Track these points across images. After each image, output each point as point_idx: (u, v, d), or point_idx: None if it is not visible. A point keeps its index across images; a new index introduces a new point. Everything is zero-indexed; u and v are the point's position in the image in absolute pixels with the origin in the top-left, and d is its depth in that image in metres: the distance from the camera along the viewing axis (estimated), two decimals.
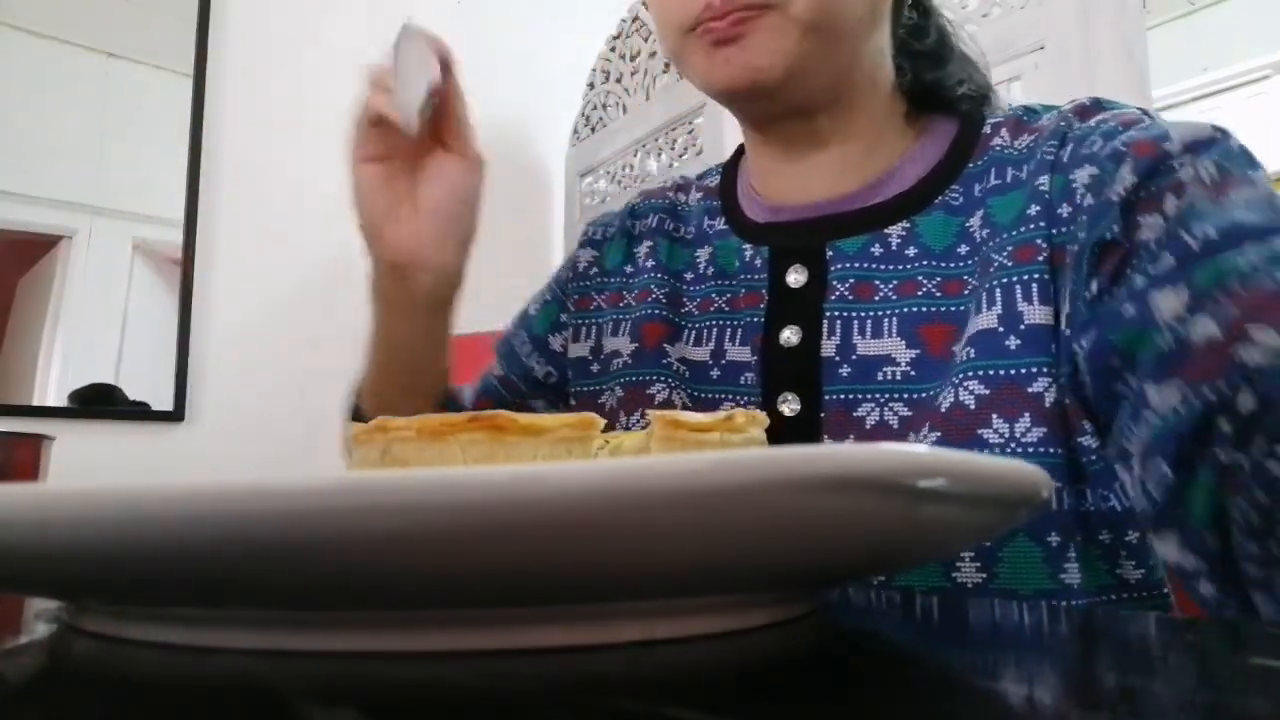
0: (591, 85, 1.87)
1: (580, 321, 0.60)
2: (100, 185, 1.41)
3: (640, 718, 0.14)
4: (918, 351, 0.45)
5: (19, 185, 1.34)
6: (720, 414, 0.28)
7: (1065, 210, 0.42)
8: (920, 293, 0.46)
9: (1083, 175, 0.42)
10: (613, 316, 0.57)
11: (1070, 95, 0.49)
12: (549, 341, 0.61)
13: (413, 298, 0.53)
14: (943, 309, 0.45)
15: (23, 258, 1.37)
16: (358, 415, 0.59)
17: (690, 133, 1.61)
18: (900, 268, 0.47)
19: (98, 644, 0.20)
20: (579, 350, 0.59)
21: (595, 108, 1.86)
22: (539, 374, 0.61)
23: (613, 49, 1.82)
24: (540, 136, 1.93)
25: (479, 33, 1.84)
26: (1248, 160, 0.39)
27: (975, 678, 0.18)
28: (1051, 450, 0.40)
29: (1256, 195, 0.37)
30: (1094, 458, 0.41)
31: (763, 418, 0.29)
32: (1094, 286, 0.39)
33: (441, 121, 0.50)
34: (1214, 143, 0.39)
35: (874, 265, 0.48)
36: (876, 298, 0.47)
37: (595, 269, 0.61)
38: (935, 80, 0.52)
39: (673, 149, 1.65)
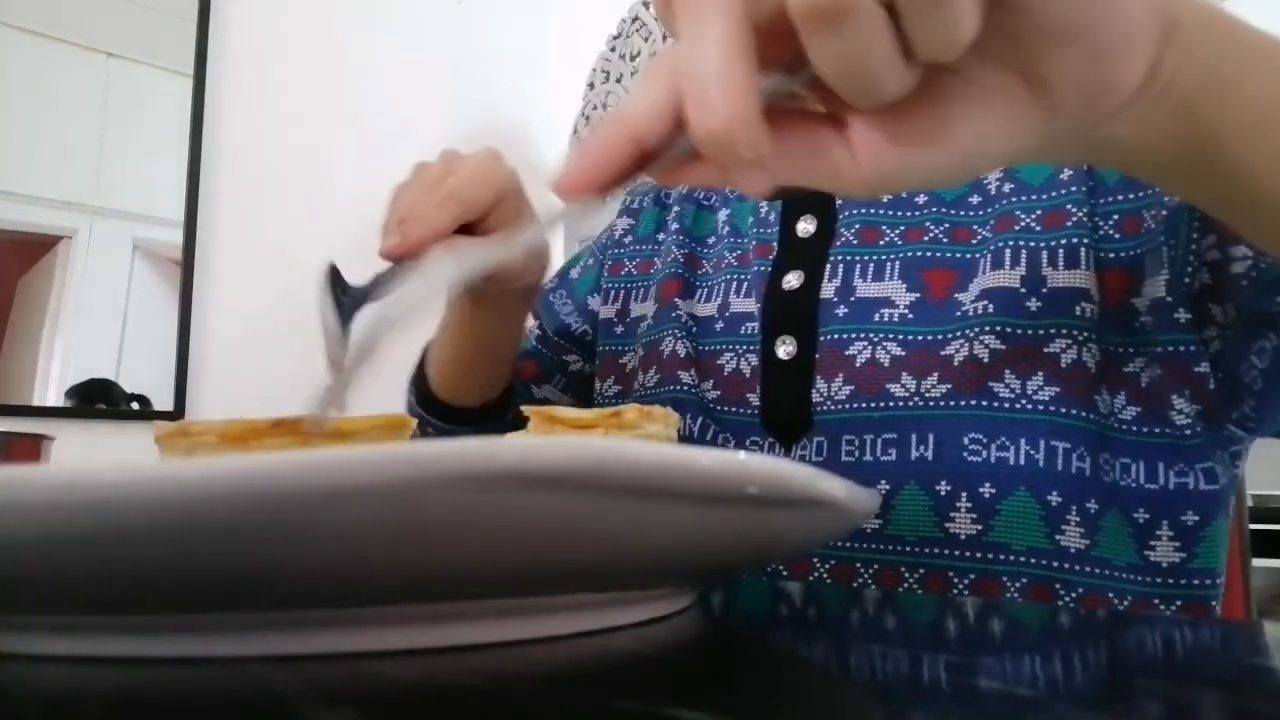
0: (591, 85, 1.87)
1: (612, 285, 0.62)
2: (100, 185, 1.40)
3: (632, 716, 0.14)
4: (917, 295, 0.45)
5: (19, 185, 1.34)
6: (606, 410, 0.27)
7: (1112, 179, 0.43)
8: (926, 238, 0.47)
9: None
10: (642, 283, 0.60)
11: None
12: (588, 302, 0.63)
13: (507, 294, 0.51)
14: (948, 255, 0.46)
15: (23, 258, 1.36)
16: (427, 408, 0.58)
17: None
18: (908, 214, 0.48)
19: (77, 666, 0.19)
20: (607, 312, 0.61)
21: (595, 108, 1.86)
22: (575, 330, 0.63)
23: (613, 49, 1.82)
24: (540, 136, 1.93)
25: (479, 33, 1.84)
26: None
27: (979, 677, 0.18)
28: (1065, 410, 0.40)
29: None
30: (1130, 429, 0.41)
31: (674, 418, 0.28)
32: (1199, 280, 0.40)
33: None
34: None
35: (882, 211, 0.48)
36: (881, 242, 0.48)
37: (629, 236, 0.63)
38: None
39: None
